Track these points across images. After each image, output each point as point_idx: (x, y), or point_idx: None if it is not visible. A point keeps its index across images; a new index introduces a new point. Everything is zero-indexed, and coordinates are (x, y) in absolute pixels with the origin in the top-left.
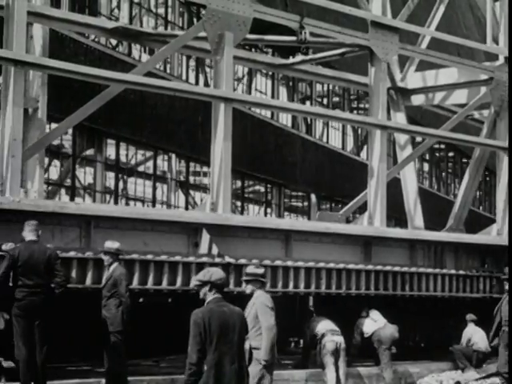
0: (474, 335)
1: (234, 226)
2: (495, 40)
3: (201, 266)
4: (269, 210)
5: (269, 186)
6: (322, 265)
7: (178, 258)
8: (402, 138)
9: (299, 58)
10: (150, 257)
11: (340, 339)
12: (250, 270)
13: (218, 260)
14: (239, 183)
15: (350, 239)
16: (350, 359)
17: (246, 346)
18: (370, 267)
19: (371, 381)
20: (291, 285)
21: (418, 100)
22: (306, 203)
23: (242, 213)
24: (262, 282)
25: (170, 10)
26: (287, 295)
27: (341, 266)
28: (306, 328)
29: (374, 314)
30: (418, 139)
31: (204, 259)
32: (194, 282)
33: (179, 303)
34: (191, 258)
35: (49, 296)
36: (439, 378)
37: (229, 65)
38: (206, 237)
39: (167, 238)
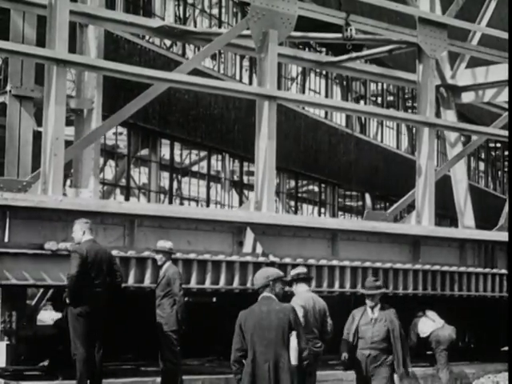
0: None
1: (279, 225)
2: None
3: (244, 265)
4: (323, 210)
5: (323, 185)
6: (368, 264)
7: (221, 257)
8: (452, 136)
9: (346, 55)
10: (192, 256)
11: None
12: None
13: (262, 259)
14: (293, 183)
15: (398, 238)
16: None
17: (293, 343)
18: (417, 267)
19: (426, 381)
20: (337, 284)
21: (468, 97)
22: (360, 203)
23: (295, 212)
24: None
25: (223, 10)
26: (343, 295)
27: (388, 265)
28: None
29: (431, 314)
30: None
31: (248, 258)
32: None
33: (224, 303)
34: (234, 257)
35: (111, 295)
36: (495, 379)
37: (273, 62)
38: (250, 236)
39: (211, 237)
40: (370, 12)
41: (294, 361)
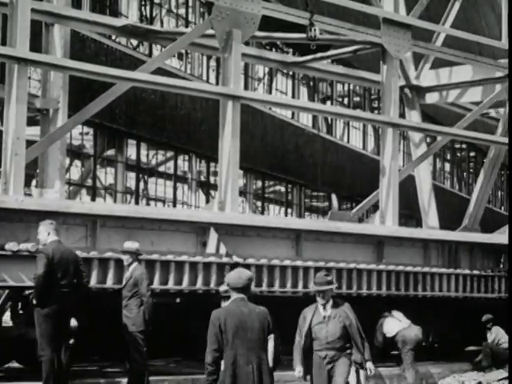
0: (503, 335)
1: (243, 226)
2: None
3: (208, 266)
4: (289, 211)
5: (289, 186)
6: (332, 264)
7: (184, 257)
8: (416, 137)
9: (311, 56)
10: (155, 256)
11: None
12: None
13: (225, 260)
14: (260, 183)
15: (362, 239)
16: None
17: (271, 346)
18: (381, 267)
19: (392, 381)
20: (300, 285)
21: (432, 98)
22: (326, 203)
23: (262, 213)
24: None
25: (190, 10)
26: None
27: (351, 265)
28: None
29: (397, 314)
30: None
31: (211, 259)
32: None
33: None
34: (198, 258)
35: (77, 296)
36: (461, 378)
37: (237, 62)
38: (213, 236)
39: (175, 237)
40: (337, 13)
41: (270, 363)
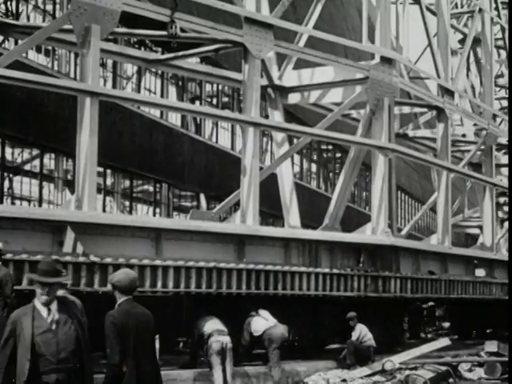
0: (366, 332)
1: (101, 224)
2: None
3: (64, 266)
4: (158, 210)
5: (157, 185)
6: (191, 264)
7: (38, 257)
8: (279, 136)
9: (173, 53)
10: (9, 256)
11: (226, 339)
12: None
13: (82, 259)
14: (128, 183)
15: (223, 238)
16: (239, 358)
17: (157, 347)
18: (241, 266)
19: (259, 380)
20: (159, 284)
21: (294, 98)
22: (195, 203)
23: (130, 212)
24: None
25: (58, 6)
26: (178, 295)
27: (211, 264)
28: (193, 328)
29: (264, 313)
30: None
31: (67, 258)
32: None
33: None
34: (54, 257)
35: None
36: (326, 376)
37: (95, 58)
38: (70, 235)
39: (30, 236)
40: (208, 13)
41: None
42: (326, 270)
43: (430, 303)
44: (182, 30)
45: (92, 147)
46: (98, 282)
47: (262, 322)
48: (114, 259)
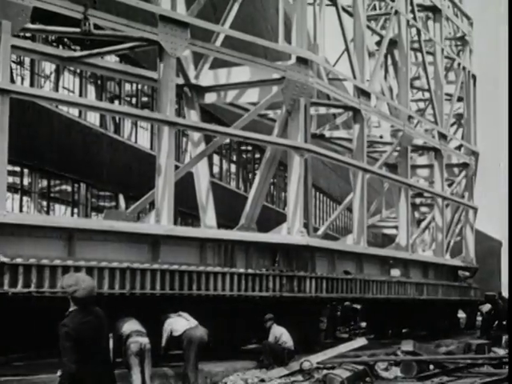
0: (282, 334)
1: (11, 224)
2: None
3: None
4: (76, 210)
5: (76, 185)
6: (104, 264)
7: None
8: (195, 136)
9: (87, 51)
10: None
11: (145, 340)
12: None
13: None
14: (45, 182)
15: (137, 238)
16: (157, 359)
17: (110, 345)
18: (155, 266)
19: (177, 381)
20: None
21: (211, 98)
22: (114, 203)
23: (47, 213)
24: None
25: None
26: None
27: (124, 265)
28: (112, 329)
29: (185, 314)
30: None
31: None
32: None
33: None
34: None
35: None
36: (244, 376)
37: (6, 54)
38: None
39: None
40: (127, 12)
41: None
42: (242, 270)
43: (347, 303)
44: (99, 28)
45: (2, 145)
46: (7, 283)
47: (183, 323)
48: (24, 259)
